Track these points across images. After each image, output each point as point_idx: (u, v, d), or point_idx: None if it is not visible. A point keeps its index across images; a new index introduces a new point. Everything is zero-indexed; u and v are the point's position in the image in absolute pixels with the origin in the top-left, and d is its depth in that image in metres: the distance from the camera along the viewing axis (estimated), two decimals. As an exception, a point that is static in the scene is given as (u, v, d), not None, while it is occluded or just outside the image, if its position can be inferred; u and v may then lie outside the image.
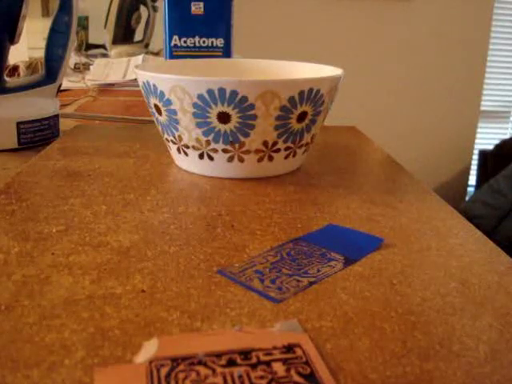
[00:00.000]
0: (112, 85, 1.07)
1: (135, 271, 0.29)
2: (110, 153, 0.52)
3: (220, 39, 0.66)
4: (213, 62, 0.57)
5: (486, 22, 2.55)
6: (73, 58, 1.25)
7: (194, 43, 0.66)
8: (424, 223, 0.37)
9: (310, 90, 0.42)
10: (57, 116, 0.60)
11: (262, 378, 0.20)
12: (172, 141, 0.46)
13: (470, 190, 2.74)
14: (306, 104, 0.42)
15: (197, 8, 0.65)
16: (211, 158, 0.44)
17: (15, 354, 0.22)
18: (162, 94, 0.42)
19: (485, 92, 2.67)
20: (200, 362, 0.21)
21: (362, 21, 2.41)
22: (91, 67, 1.19)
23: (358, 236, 0.34)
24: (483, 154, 2.47)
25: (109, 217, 0.36)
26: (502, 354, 0.23)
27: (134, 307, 0.25)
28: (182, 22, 0.65)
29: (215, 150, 0.43)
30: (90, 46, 1.67)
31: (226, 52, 0.66)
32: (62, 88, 0.62)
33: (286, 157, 0.45)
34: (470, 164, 2.72)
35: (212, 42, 0.66)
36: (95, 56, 1.43)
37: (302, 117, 0.43)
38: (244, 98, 0.40)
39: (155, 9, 1.62)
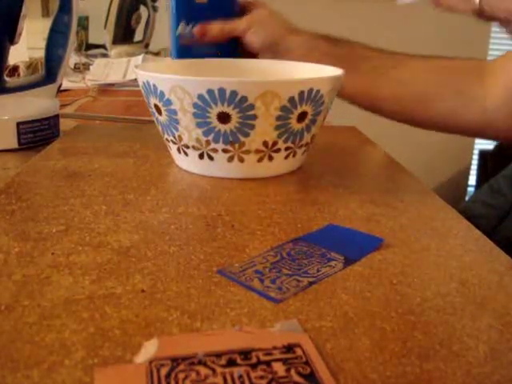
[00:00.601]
0: (112, 85, 1.07)
1: (135, 271, 0.29)
2: (110, 153, 0.52)
3: None
4: (213, 62, 0.57)
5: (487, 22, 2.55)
6: (73, 58, 1.25)
7: None
8: (424, 223, 0.37)
9: (310, 90, 0.42)
10: (57, 116, 0.60)
11: (262, 377, 0.20)
12: (172, 141, 0.46)
13: (470, 190, 2.74)
14: (306, 104, 0.42)
15: None
16: (211, 158, 0.44)
17: (15, 353, 0.22)
18: (162, 93, 0.42)
19: (485, 92, 2.67)
20: (200, 362, 0.21)
21: (363, 20, 2.41)
22: (91, 67, 1.19)
23: (357, 236, 0.34)
24: (483, 154, 2.47)
25: (109, 217, 0.36)
26: (502, 354, 0.23)
27: (134, 307, 0.25)
28: (188, 10, 0.66)
29: (215, 150, 0.43)
30: (89, 46, 1.67)
31: (233, 42, 0.66)
32: (62, 88, 0.62)
33: (286, 157, 0.45)
34: (470, 164, 2.72)
35: None
36: (95, 56, 1.43)
37: (302, 117, 0.43)
38: (244, 98, 0.40)
39: (155, 9, 1.62)
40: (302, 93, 0.41)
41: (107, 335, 0.23)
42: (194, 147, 0.44)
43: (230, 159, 0.44)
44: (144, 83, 0.44)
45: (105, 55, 1.47)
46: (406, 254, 0.32)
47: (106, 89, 1.04)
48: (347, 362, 0.22)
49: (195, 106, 0.41)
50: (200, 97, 0.40)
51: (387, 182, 0.48)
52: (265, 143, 0.43)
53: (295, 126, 0.43)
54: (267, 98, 0.40)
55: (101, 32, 1.57)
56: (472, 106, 0.61)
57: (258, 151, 0.43)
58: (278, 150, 0.44)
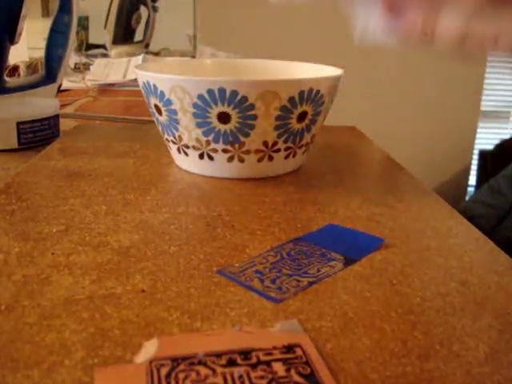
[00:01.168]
0: (112, 85, 1.07)
1: (135, 271, 0.29)
2: (110, 153, 0.52)
3: None
4: (213, 62, 0.57)
5: (486, 22, 2.54)
6: (73, 58, 1.25)
7: None
8: (424, 223, 0.37)
9: (310, 90, 0.42)
10: (57, 116, 0.60)
11: (262, 377, 0.20)
12: (172, 141, 0.46)
13: (470, 189, 2.74)
14: (306, 104, 0.42)
15: None
16: (211, 158, 0.44)
17: (15, 353, 0.22)
18: (162, 94, 0.42)
19: (485, 92, 2.67)
20: (200, 362, 0.21)
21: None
22: (91, 67, 1.19)
23: (358, 236, 0.34)
24: (483, 154, 2.47)
25: (109, 217, 0.36)
26: (502, 354, 0.23)
27: (134, 307, 0.25)
28: None
29: (215, 150, 0.43)
30: (90, 46, 1.67)
31: None
32: (62, 88, 0.62)
33: (286, 157, 0.45)
34: (470, 164, 2.72)
35: None
36: (95, 56, 1.43)
37: (302, 117, 0.43)
38: (244, 98, 0.40)
39: (155, 9, 1.62)
40: (302, 93, 0.41)
41: (107, 335, 0.23)
42: (194, 147, 0.44)
43: (230, 159, 0.44)
44: (144, 83, 0.44)
45: (105, 55, 1.47)
46: (406, 254, 0.32)
47: (105, 89, 1.04)
48: (347, 362, 0.22)
49: (195, 106, 0.41)
50: (200, 97, 0.40)
51: (387, 182, 0.48)
52: (265, 143, 0.43)
53: (295, 125, 0.43)
54: (267, 97, 0.40)
55: (101, 32, 1.57)
56: None
57: (257, 151, 0.43)
58: (278, 150, 0.44)
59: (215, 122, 0.41)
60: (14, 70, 1.01)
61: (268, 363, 0.21)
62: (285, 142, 0.44)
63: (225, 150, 0.43)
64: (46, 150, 0.52)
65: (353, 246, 0.33)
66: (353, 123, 0.68)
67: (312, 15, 2.40)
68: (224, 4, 2.07)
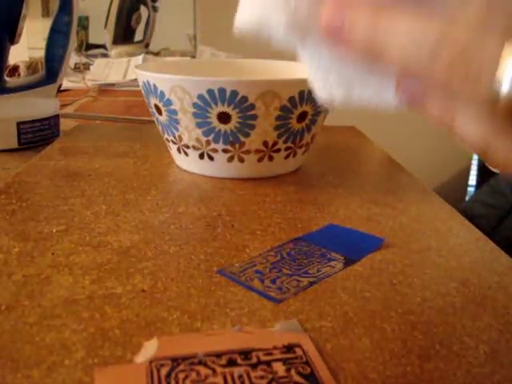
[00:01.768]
0: (112, 85, 1.07)
1: (135, 271, 0.29)
2: (110, 153, 0.52)
3: None
4: (213, 61, 0.57)
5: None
6: (73, 58, 1.25)
7: None
8: (424, 223, 0.37)
9: (310, 89, 0.41)
10: (57, 116, 0.60)
11: (262, 377, 0.20)
12: (172, 141, 0.46)
13: (470, 189, 2.74)
14: (306, 104, 0.42)
15: None
16: (211, 158, 0.44)
17: (15, 353, 0.22)
18: (163, 93, 0.42)
19: (485, 92, 2.67)
20: (200, 362, 0.21)
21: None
22: (91, 67, 1.19)
23: (358, 236, 0.34)
24: (483, 154, 2.46)
25: (109, 217, 0.36)
26: (502, 354, 0.23)
27: (134, 307, 0.25)
28: None
29: (215, 150, 0.43)
30: (90, 46, 1.67)
31: None
32: (62, 88, 0.62)
33: (286, 157, 0.45)
34: (470, 164, 2.72)
35: None
36: (95, 56, 1.43)
37: (302, 117, 0.43)
38: (244, 98, 0.40)
39: (155, 9, 1.62)
40: (302, 93, 0.41)
41: (107, 335, 0.23)
42: (194, 147, 0.44)
43: (230, 159, 0.44)
44: (144, 83, 0.44)
45: (105, 55, 1.47)
46: (406, 254, 0.32)
47: (106, 89, 1.04)
48: (347, 362, 0.22)
49: (195, 105, 0.41)
50: (200, 97, 0.40)
51: (387, 182, 0.48)
52: (265, 143, 0.43)
53: (295, 125, 0.43)
54: (267, 97, 0.40)
55: (101, 32, 1.57)
56: None
57: (257, 151, 0.43)
58: (278, 150, 0.44)
59: (215, 122, 0.41)
60: (14, 69, 1.01)
61: (268, 363, 0.21)
62: (285, 142, 0.44)
63: (225, 150, 0.43)
64: (46, 150, 0.52)
65: (353, 246, 0.33)
66: (353, 123, 0.68)
67: (312, 15, 2.39)
68: (224, 4, 2.07)
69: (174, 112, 0.42)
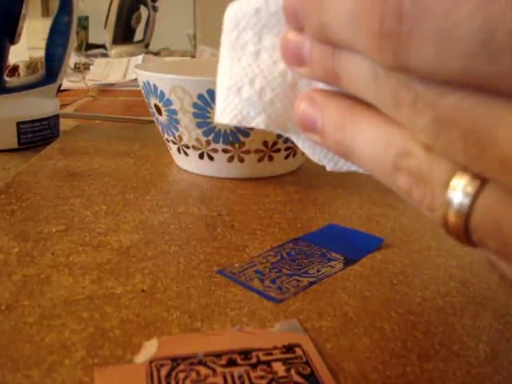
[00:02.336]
0: (112, 85, 1.07)
1: (135, 271, 0.29)
2: (110, 153, 0.52)
3: None
4: (213, 61, 0.57)
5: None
6: (73, 58, 1.25)
7: None
8: (424, 223, 0.37)
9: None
10: (57, 116, 0.60)
11: (262, 377, 0.20)
12: (172, 141, 0.46)
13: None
14: (306, 104, 0.42)
15: None
16: (211, 158, 0.44)
17: (15, 353, 0.22)
18: (163, 93, 0.42)
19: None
20: (200, 362, 0.21)
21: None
22: (91, 67, 1.19)
23: (357, 236, 0.34)
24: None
25: (109, 217, 0.36)
26: (502, 354, 0.23)
27: (134, 307, 0.25)
28: None
29: (215, 150, 0.43)
30: (89, 46, 1.67)
31: None
32: (61, 88, 0.62)
33: (286, 157, 0.45)
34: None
35: None
36: (95, 56, 1.43)
37: (302, 117, 0.43)
38: (244, 98, 0.40)
39: (155, 9, 1.62)
40: (302, 93, 0.41)
41: (107, 335, 0.23)
42: (194, 147, 0.44)
43: (230, 159, 0.44)
44: (144, 83, 0.44)
45: (105, 55, 1.48)
46: (406, 254, 0.32)
47: (106, 89, 1.04)
48: (347, 362, 0.22)
49: (195, 106, 0.41)
50: (200, 97, 0.40)
51: (387, 181, 0.48)
52: (265, 143, 0.43)
53: (295, 125, 0.43)
54: (267, 97, 0.40)
55: (101, 32, 1.57)
56: None
57: (257, 151, 0.43)
58: (278, 150, 0.44)
59: (215, 122, 0.41)
60: (14, 69, 1.01)
61: (268, 363, 0.21)
62: (285, 141, 0.44)
63: (225, 150, 0.43)
64: (46, 150, 0.52)
65: (353, 246, 0.33)
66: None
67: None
68: (224, 4, 2.07)
69: (174, 112, 0.42)
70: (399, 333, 0.24)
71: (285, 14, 0.18)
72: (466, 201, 0.14)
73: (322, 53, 0.17)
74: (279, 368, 0.21)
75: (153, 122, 0.48)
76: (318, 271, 0.29)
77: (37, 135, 0.57)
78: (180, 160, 0.47)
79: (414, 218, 0.38)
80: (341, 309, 0.26)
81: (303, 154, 0.47)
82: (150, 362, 0.21)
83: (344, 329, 0.24)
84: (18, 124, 0.55)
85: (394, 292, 0.28)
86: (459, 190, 0.14)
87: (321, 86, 0.19)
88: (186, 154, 0.45)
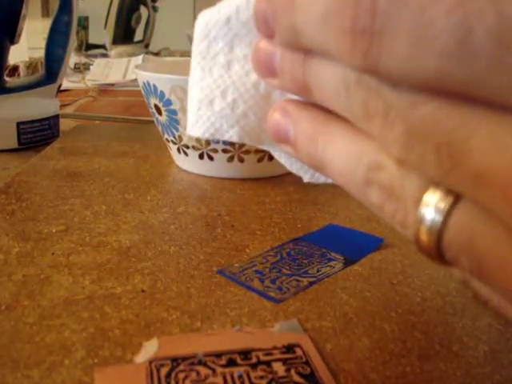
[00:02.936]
0: (112, 85, 1.07)
1: (135, 271, 0.29)
2: (110, 153, 0.52)
3: None
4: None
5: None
6: (73, 58, 1.25)
7: None
8: (424, 223, 0.37)
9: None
10: (57, 116, 0.60)
11: (262, 377, 0.20)
12: (172, 141, 0.46)
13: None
14: (306, 104, 0.42)
15: None
16: (211, 158, 0.44)
17: (15, 353, 0.22)
18: (162, 94, 0.42)
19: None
20: (200, 362, 0.21)
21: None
22: (91, 67, 1.19)
23: (357, 236, 0.34)
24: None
25: (109, 217, 0.36)
26: (502, 353, 0.23)
27: (134, 307, 0.25)
28: None
29: (215, 150, 0.43)
30: (89, 46, 1.67)
31: None
32: (62, 88, 0.62)
33: (286, 157, 0.45)
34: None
35: None
36: (95, 56, 1.43)
37: (302, 117, 0.43)
38: (244, 98, 0.40)
39: (155, 9, 1.62)
40: (301, 93, 0.41)
41: (107, 335, 0.23)
42: (194, 147, 0.44)
43: (230, 159, 0.44)
44: (144, 83, 0.44)
45: (105, 55, 1.48)
46: (406, 254, 0.32)
47: (105, 89, 1.04)
48: (347, 362, 0.22)
49: (195, 106, 0.41)
50: (200, 97, 0.40)
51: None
52: (265, 143, 0.43)
53: (295, 126, 0.43)
54: (267, 98, 0.40)
55: (101, 32, 1.57)
56: None
57: (258, 151, 0.43)
58: (278, 150, 0.44)
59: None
60: (14, 69, 1.01)
61: (268, 363, 0.21)
62: (285, 142, 0.43)
63: (225, 150, 0.43)
64: (46, 150, 0.52)
65: (353, 246, 0.33)
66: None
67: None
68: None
69: (174, 112, 0.42)
70: (399, 333, 0.24)
71: (255, 18, 0.17)
72: (439, 217, 0.14)
73: (292, 63, 0.17)
74: (279, 368, 0.21)
75: (153, 122, 0.48)
76: (318, 271, 0.29)
77: (37, 135, 0.57)
78: (180, 160, 0.47)
79: (413, 218, 0.38)
80: (341, 309, 0.26)
81: (303, 154, 0.47)
82: (150, 362, 0.21)
83: (344, 329, 0.24)
84: (18, 124, 0.55)
85: (393, 292, 0.28)
86: (431, 207, 0.14)
87: (295, 96, 0.18)
88: (185, 154, 0.45)
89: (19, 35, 0.56)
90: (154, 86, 0.42)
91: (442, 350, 0.23)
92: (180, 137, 0.44)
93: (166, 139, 0.47)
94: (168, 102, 0.42)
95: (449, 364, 0.22)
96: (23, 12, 0.54)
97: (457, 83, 0.12)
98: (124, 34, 1.55)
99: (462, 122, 0.12)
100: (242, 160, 0.44)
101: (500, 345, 0.23)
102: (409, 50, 0.12)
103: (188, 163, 0.46)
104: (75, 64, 1.25)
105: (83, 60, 1.30)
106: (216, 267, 0.29)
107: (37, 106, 0.57)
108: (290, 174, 0.50)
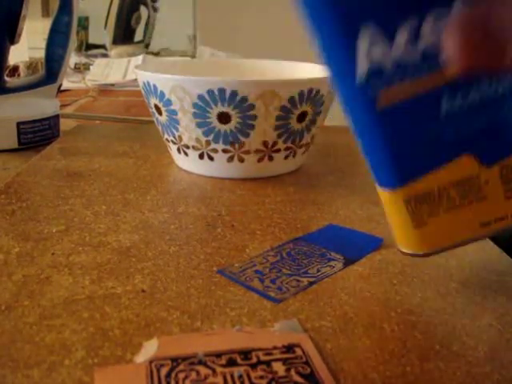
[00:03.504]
0: (112, 85, 1.07)
1: (135, 271, 0.29)
2: (110, 153, 0.52)
3: None
4: (213, 61, 0.57)
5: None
6: (73, 58, 1.25)
7: None
8: (424, 223, 0.37)
9: (310, 90, 0.42)
10: (57, 116, 0.60)
11: (261, 377, 0.20)
12: (172, 141, 0.46)
13: (470, 190, 2.73)
14: (306, 104, 0.42)
15: None
16: (211, 158, 0.44)
17: (15, 353, 0.22)
18: (163, 94, 0.42)
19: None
20: (200, 362, 0.21)
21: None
22: (91, 67, 1.19)
23: (357, 236, 0.34)
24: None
25: (109, 217, 0.36)
26: (502, 353, 0.23)
27: (134, 307, 0.25)
28: None
29: (215, 150, 0.43)
30: (90, 46, 1.67)
31: None
32: (62, 88, 0.62)
33: (286, 157, 0.45)
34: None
35: None
36: (95, 56, 1.43)
37: (301, 117, 0.43)
38: (244, 98, 0.40)
39: (155, 9, 1.62)
40: (301, 93, 0.41)
41: (107, 335, 0.23)
42: (194, 147, 0.44)
43: (230, 159, 0.44)
44: (144, 83, 0.44)
45: (105, 55, 1.47)
46: (406, 254, 0.32)
47: (106, 89, 1.04)
48: (347, 362, 0.22)
49: (195, 106, 0.41)
50: (200, 97, 0.40)
51: (387, 182, 0.48)
52: (265, 143, 0.43)
53: (295, 126, 0.43)
54: (267, 97, 0.40)
55: (101, 32, 1.57)
56: None
57: (257, 151, 0.43)
58: (278, 150, 0.44)
59: (215, 122, 0.41)
60: (14, 70, 1.01)
61: (268, 363, 0.21)
62: (285, 142, 0.44)
63: (225, 150, 0.43)
64: (46, 150, 0.52)
65: (353, 246, 0.33)
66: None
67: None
68: (224, 4, 2.07)
69: (174, 112, 0.42)
70: (399, 333, 0.24)
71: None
72: None
73: None
74: (279, 368, 0.21)
75: (153, 122, 0.48)
76: (318, 271, 0.29)
77: (37, 135, 0.57)
78: (180, 160, 0.47)
79: (413, 218, 0.38)
80: (341, 309, 0.26)
81: (303, 153, 0.47)
82: (150, 362, 0.21)
83: (344, 329, 0.24)
84: (19, 124, 0.55)
85: (393, 292, 0.28)
86: None
87: None
88: (185, 154, 0.45)
89: (19, 35, 0.56)
90: (154, 86, 0.42)
91: (441, 349, 0.23)
92: (180, 137, 0.44)
93: (166, 139, 0.47)
94: (168, 102, 0.42)
95: (449, 364, 0.22)
96: (23, 12, 0.54)
97: None
98: (124, 34, 1.55)
99: None
100: (242, 160, 0.44)
101: (500, 345, 0.23)
102: None
103: (188, 163, 0.46)
104: (75, 64, 1.25)
105: (83, 60, 1.30)
106: (216, 267, 0.29)
107: (37, 105, 0.57)
108: (289, 173, 0.50)
